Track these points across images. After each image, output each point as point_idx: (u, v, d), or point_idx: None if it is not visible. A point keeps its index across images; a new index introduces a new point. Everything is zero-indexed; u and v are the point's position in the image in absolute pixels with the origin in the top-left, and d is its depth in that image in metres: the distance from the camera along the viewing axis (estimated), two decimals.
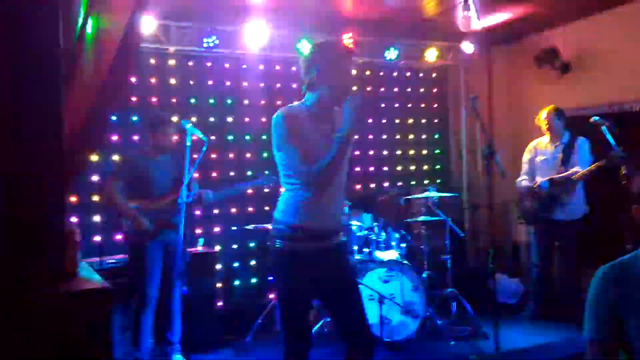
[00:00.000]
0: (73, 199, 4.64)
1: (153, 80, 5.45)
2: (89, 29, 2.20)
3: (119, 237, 4.70)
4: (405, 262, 4.57)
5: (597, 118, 4.32)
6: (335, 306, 2.69)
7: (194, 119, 5.29)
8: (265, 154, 5.68)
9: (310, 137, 2.46)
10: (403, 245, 4.84)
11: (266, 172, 4.48)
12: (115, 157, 4.84)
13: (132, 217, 3.82)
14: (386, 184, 6.51)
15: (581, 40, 5.69)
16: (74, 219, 4.57)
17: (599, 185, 4.69)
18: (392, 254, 4.66)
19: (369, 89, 6.51)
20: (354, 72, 6.26)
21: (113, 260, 4.25)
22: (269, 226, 4.67)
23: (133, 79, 5.23)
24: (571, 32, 5.78)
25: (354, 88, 2.49)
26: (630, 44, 5.19)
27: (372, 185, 6.45)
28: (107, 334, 1.44)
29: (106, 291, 1.48)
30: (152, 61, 5.44)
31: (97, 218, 4.93)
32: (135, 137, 5.15)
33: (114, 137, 5.08)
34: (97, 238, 4.83)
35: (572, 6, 5.36)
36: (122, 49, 2.09)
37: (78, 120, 1.78)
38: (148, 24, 4.90)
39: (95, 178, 4.94)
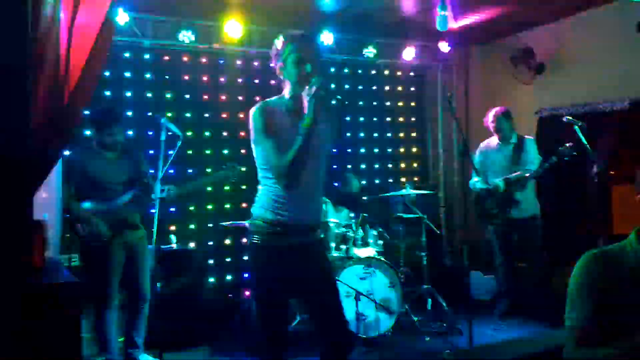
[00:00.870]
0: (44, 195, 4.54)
1: (127, 74, 5.36)
2: (62, 17, 2.14)
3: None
4: (382, 259, 4.58)
5: (570, 118, 4.40)
6: (312, 303, 2.66)
7: (169, 115, 5.22)
8: (243, 150, 5.63)
9: (286, 131, 2.44)
10: (380, 242, 4.85)
11: (229, 164, 4.35)
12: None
13: (86, 221, 3.61)
14: (363, 182, 6.52)
15: (556, 42, 5.78)
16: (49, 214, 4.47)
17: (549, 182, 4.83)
18: (369, 251, 4.67)
19: (347, 86, 6.52)
20: (332, 69, 6.35)
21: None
22: (246, 223, 4.68)
23: (107, 73, 5.14)
24: (546, 33, 5.87)
25: (317, 78, 2.45)
26: (602, 46, 5.29)
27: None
28: (76, 329, 1.40)
29: (75, 286, 1.44)
30: (127, 55, 5.36)
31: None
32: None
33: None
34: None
35: (548, 8, 5.43)
36: (99, 42, 2.04)
37: (49, 111, 1.72)
38: (122, 17, 4.82)
39: None
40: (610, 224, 5.06)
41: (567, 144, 4.36)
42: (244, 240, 5.60)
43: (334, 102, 2.45)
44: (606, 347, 1.58)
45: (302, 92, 2.46)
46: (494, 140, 5.00)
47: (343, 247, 4.66)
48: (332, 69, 6.40)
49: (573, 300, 1.67)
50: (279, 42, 2.55)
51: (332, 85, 6.30)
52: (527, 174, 4.62)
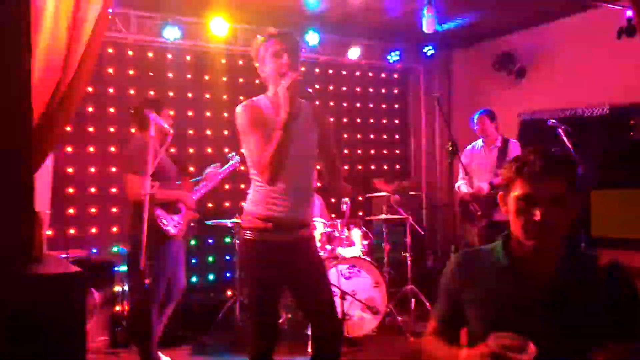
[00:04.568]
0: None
1: (110, 70, 5.28)
2: (61, 10, 2.10)
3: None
4: (367, 259, 4.59)
5: (554, 121, 4.47)
6: (304, 298, 2.69)
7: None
8: (226, 149, 5.58)
9: (271, 129, 2.44)
10: (365, 242, 4.86)
11: (230, 154, 4.36)
12: None
13: None
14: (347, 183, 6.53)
15: (537, 46, 5.89)
16: None
17: None
18: (354, 251, 4.67)
19: (331, 87, 6.53)
20: (316, 70, 6.35)
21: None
22: (228, 223, 4.66)
23: None
24: (528, 38, 5.97)
25: (291, 72, 2.46)
26: (583, 51, 5.40)
27: (343, 184, 6.45)
28: (81, 319, 1.36)
29: (79, 275, 1.40)
30: (110, 51, 5.27)
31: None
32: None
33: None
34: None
35: (529, 13, 5.54)
36: (95, 35, 2.00)
37: (48, 95, 1.68)
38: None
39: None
40: (589, 227, 5.18)
41: (552, 149, 4.41)
42: (227, 239, 5.56)
43: (306, 97, 2.49)
44: (446, 342, 1.63)
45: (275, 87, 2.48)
46: (479, 143, 5.04)
47: (328, 246, 4.65)
48: (317, 70, 6.40)
49: (438, 295, 1.71)
50: (258, 41, 2.58)
51: (317, 86, 6.31)
52: None
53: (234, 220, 4.51)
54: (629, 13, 4.73)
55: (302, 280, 2.62)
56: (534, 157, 1.49)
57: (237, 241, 4.53)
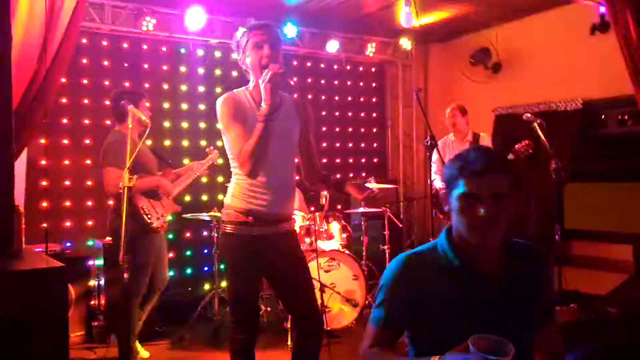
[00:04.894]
0: None
1: (84, 60, 5.17)
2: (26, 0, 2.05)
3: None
4: (346, 252, 4.61)
5: (529, 115, 4.53)
6: (284, 292, 2.71)
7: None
8: (203, 142, 5.53)
9: (251, 121, 2.43)
10: (344, 235, 4.88)
11: (208, 148, 4.35)
12: None
13: None
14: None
15: (512, 42, 5.96)
16: None
17: None
18: (333, 244, 4.68)
19: (309, 80, 6.51)
20: (294, 62, 6.32)
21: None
22: (206, 216, 4.62)
23: None
24: (503, 33, 6.04)
25: (271, 64, 2.45)
26: (557, 47, 5.49)
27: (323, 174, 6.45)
28: (62, 314, 1.33)
29: (60, 270, 1.37)
30: (84, 41, 5.15)
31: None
32: None
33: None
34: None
35: (505, 9, 5.60)
36: (73, 24, 1.96)
37: (25, 85, 1.64)
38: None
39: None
40: (562, 220, 5.28)
41: (525, 142, 4.47)
42: (205, 233, 5.52)
43: (287, 90, 2.48)
44: (393, 351, 1.58)
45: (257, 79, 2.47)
46: (450, 137, 5.09)
47: (307, 239, 4.65)
48: (295, 62, 6.37)
49: (380, 299, 1.63)
50: (239, 33, 2.56)
51: (295, 79, 6.28)
52: None
53: (212, 213, 4.48)
54: (602, 9, 4.82)
55: (283, 274, 2.63)
56: (475, 155, 1.52)
57: (216, 235, 4.50)
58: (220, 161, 4.29)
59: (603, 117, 5.35)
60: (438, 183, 4.89)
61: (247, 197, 2.51)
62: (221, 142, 2.66)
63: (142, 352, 3.93)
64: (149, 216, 3.61)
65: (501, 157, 1.56)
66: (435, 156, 4.94)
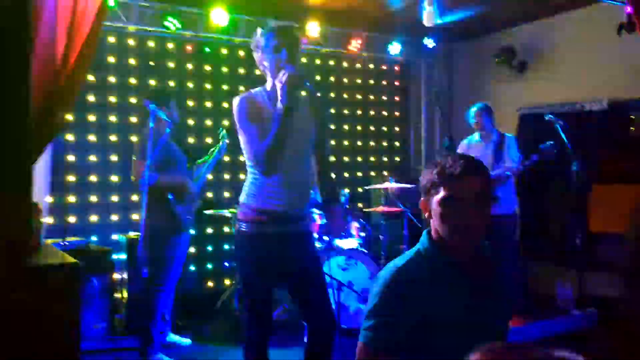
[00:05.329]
0: None
1: (111, 59, 5.29)
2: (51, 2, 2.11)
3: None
4: (364, 250, 4.62)
5: (551, 116, 4.47)
6: (298, 291, 2.72)
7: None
8: (227, 140, 5.59)
9: (267, 121, 2.46)
10: (362, 234, 4.89)
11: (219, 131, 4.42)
12: None
13: None
14: (346, 175, 6.56)
15: (538, 41, 5.87)
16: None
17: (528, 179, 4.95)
18: (351, 243, 4.70)
19: (332, 79, 6.53)
20: (317, 61, 6.35)
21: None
22: (227, 213, 4.69)
23: None
24: (529, 32, 5.96)
25: (289, 65, 2.48)
26: (583, 46, 5.39)
27: (332, 176, 6.47)
28: (75, 309, 1.38)
29: (74, 266, 1.42)
30: (111, 40, 5.28)
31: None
32: None
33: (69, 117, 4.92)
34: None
35: (531, 7, 5.51)
36: (95, 26, 2.02)
37: (48, 86, 1.70)
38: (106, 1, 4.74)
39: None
40: (587, 223, 5.18)
41: (549, 142, 4.40)
42: (226, 229, 5.60)
43: (304, 91, 2.50)
44: None
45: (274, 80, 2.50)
46: (475, 137, 5.04)
47: (326, 238, 4.68)
48: (318, 61, 6.40)
49: (378, 323, 1.55)
50: (259, 33, 2.59)
51: (318, 77, 6.31)
52: (509, 172, 4.66)
53: (233, 210, 4.55)
54: (629, 9, 4.71)
55: (296, 273, 2.65)
56: (452, 160, 1.54)
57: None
58: (227, 141, 4.36)
59: (631, 117, 5.24)
60: None
61: (262, 196, 2.54)
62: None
63: (182, 340, 4.23)
64: (180, 213, 3.84)
65: (478, 162, 1.57)
66: None
